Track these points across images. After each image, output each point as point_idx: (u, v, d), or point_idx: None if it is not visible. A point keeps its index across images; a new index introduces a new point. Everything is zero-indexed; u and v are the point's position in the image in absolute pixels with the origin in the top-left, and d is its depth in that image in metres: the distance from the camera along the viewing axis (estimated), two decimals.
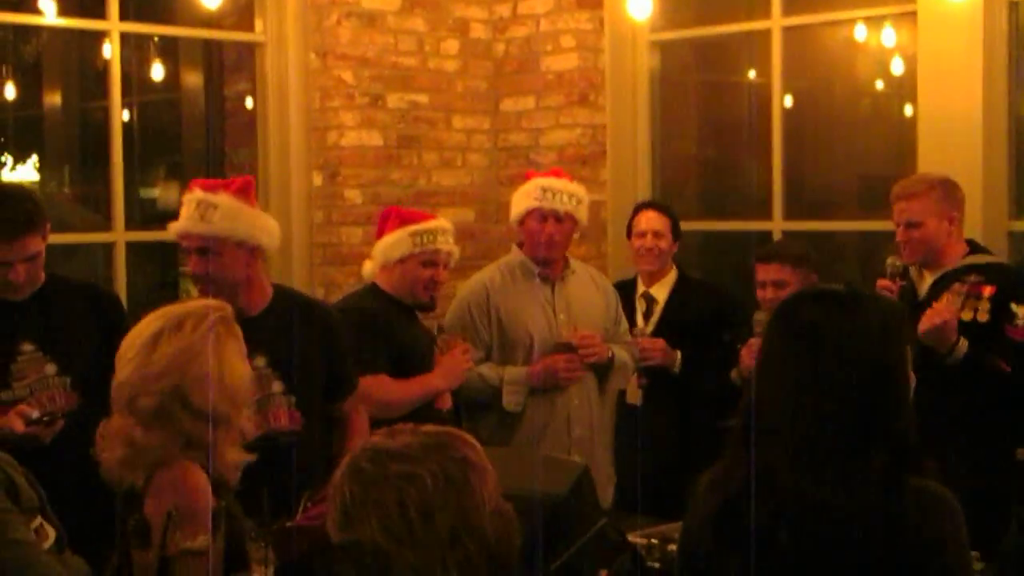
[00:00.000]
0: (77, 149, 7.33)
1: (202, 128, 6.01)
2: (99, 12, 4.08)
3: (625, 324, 3.79)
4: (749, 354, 3.46)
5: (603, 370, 3.62)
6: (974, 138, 3.72)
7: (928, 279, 3.30)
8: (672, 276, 4.00)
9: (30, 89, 7.22)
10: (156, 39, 5.68)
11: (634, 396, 3.82)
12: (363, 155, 4.43)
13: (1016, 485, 3.27)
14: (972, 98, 3.72)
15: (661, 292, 3.98)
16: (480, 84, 4.75)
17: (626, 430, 3.81)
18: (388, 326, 3.22)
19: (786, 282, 3.52)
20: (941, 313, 3.12)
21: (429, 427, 1.53)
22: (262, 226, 2.84)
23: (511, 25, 4.74)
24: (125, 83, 4.19)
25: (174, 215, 2.89)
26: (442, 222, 3.39)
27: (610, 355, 3.59)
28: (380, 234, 3.36)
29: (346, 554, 1.44)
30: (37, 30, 5.93)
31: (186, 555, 1.93)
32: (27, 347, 2.75)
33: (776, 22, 4.27)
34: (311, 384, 2.83)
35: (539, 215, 3.55)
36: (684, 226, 4.08)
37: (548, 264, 3.60)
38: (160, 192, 6.81)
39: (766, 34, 4.33)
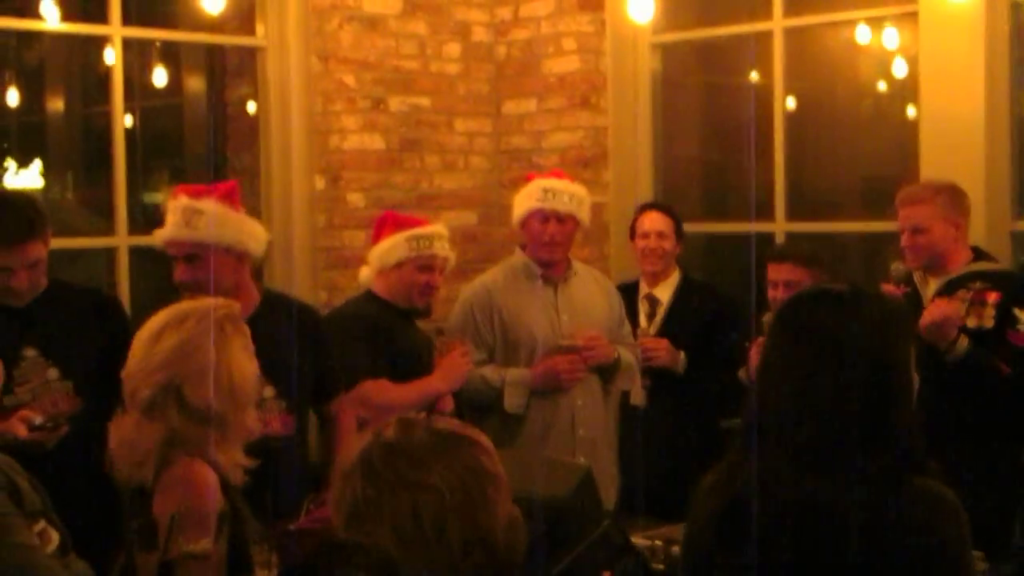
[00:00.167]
0: (80, 154, 7.34)
1: (204, 132, 6.02)
2: (101, 17, 4.09)
3: (628, 326, 3.79)
4: (758, 354, 3.45)
5: (609, 371, 3.62)
6: (976, 139, 3.72)
7: (932, 285, 3.30)
8: (675, 277, 4.00)
9: (33, 94, 7.24)
10: (158, 44, 5.69)
11: (638, 397, 3.82)
12: (365, 158, 4.44)
13: (1021, 485, 3.26)
14: (974, 99, 3.71)
15: (664, 293, 3.98)
16: (482, 87, 4.75)
17: (630, 431, 3.81)
18: (386, 331, 3.22)
19: (798, 282, 3.51)
20: (943, 308, 3.12)
21: (443, 424, 1.50)
22: (249, 231, 2.84)
23: (512, 28, 4.75)
24: (127, 88, 4.19)
25: None
26: (438, 227, 3.39)
27: (616, 356, 3.59)
28: (376, 239, 3.36)
29: (353, 557, 1.42)
30: (39, 36, 5.95)
31: (188, 559, 1.93)
32: (30, 352, 2.76)
33: (778, 23, 4.27)
34: (301, 388, 2.83)
35: (541, 216, 3.55)
36: (686, 228, 4.08)
37: (551, 265, 3.60)
38: (163, 197, 6.82)
39: (768, 35, 4.32)
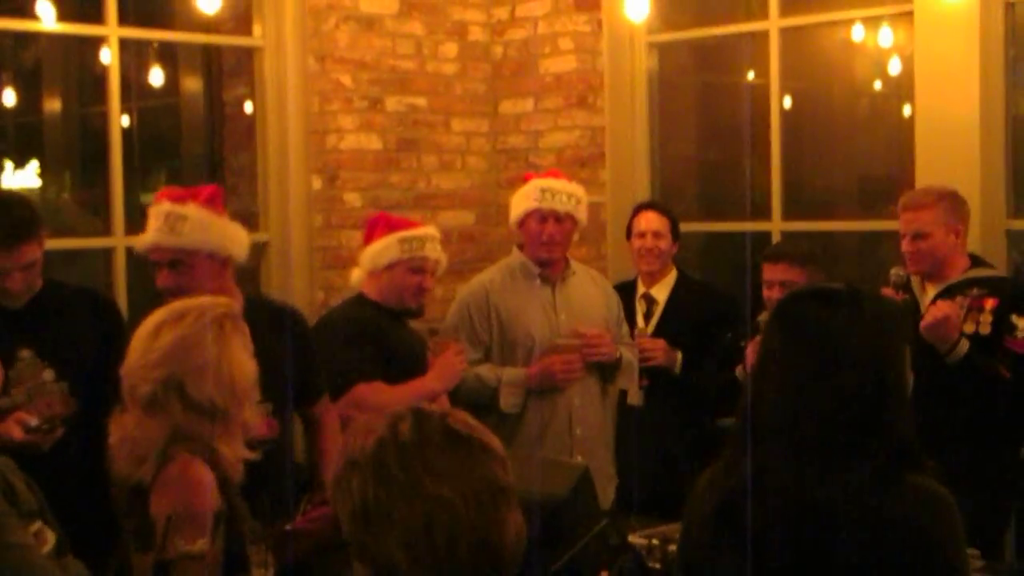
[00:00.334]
0: (77, 154, 7.34)
1: (201, 133, 6.02)
2: (98, 17, 4.08)
3: (627, 326, 3.80)
4: (755, 352, 3.46)
5: (610, 370, 3.63)
6: (972, 138, 3.72)
7: (931, 292, 3.31)
8: (672, 277, 4.01)
9: (29, 95, 7.24)
10: (155, 44, 5.68)
11: (635, 397, 3.83)
12: (362, 158, 4.44)
13: (1019, 484, 3.28)
14: (969, 98, 3.72)
15: (661, 293, 3.98)
16: (479, 87, 4.76)
17: (627, 431, 3.82)
18: (379, 333, 3.22)
19: (793, 282, 3.51)
20: (944, 308, 3.13)
21: (460, 424, 1.44)
22: (232, 236, 2.83)
23: (509, 28, 4.75)
24: (124, 88, 4.19)
25: None
26: (430, 229, 3.39)
27: (618, 355, 3.60)
28: (368, 241, 3.35)
29: (356, 559, 1.41)
30: (36, 36, 5.94)
31: (184, 559, 1.93)
32: (25, 353, 2.75)
33: (774, 23, 4.28)
34: (285, 391, 2.81)
35: (539, 216, 3.56)
36: (683, 227, 4.09)
37: (548, 265, 3.61)
38: None
39: (764, 35, 4.33)
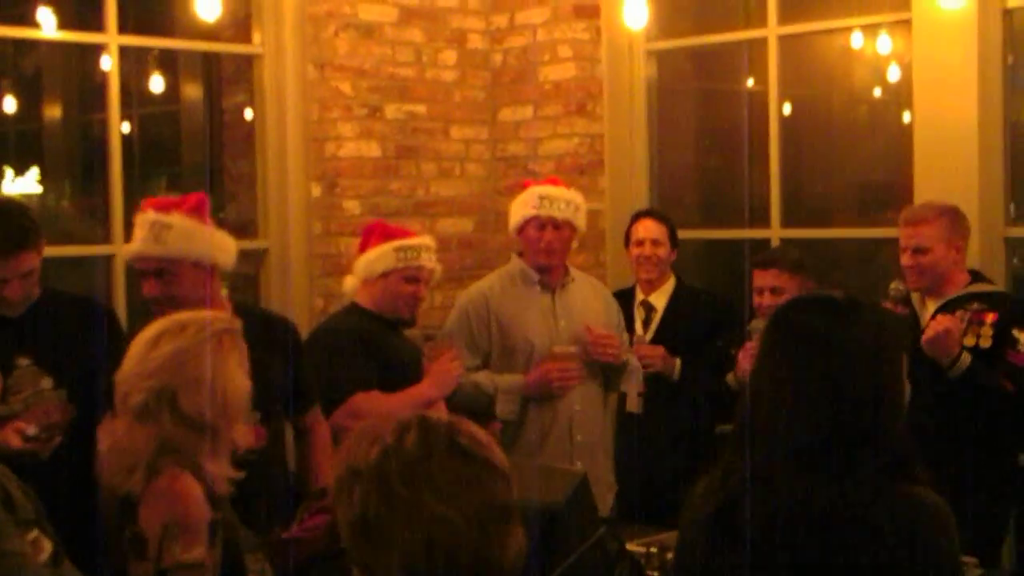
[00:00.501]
0: (77, 162, 7.35)
1: (201, 140, 6.03)
2: (97, 25, 4.09)
3: (627, 334, 3.80)
4: (747, 358, 3.48)
5: (614, 374, 3.63)
6: (970, 145, 3.73)
7: (931, 307, 3.32)
8: (671, 284, 4.01)
9: (30, 102, 7.25)
10: (155, 52, 5.70)
11: (634, 404, 3.83)
12: (361, 166, 4.44)
13: (1017, 492, 3.28)
14: (968, 105, 3.72)
15: (660, 300, 3.98)
16: (478, 94, 4.76)
17: (625, 438, 3.82)
18: (374, 342, 3.21)
19: (783, 288, 3.54)
20: (944, 322, 3.13)
21: (466, 438, 1.41)
22: (218, 244, 2.82)
23: (508, 35, 4.76)
24: (124, 96, 4.20)
25: None
26: (426, 239, 3.38)
27: (624, 360, 3.59)
28: (363, 249, 3.35)
29: (355, 568, 1.40)
30: (36, 44, 5.95)
31: (182, 568, 1.93)
32: (23, 361, 2.75)
33: (772, 31, 4.28)
34: (273, 400, 2.80)
35: (537, 223, 3.56)
36: (682, 235, 4.09)
37: (548, 271, 3.61)
38: None
39: (762, 43, 4.34)
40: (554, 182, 3.72)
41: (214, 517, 2.00)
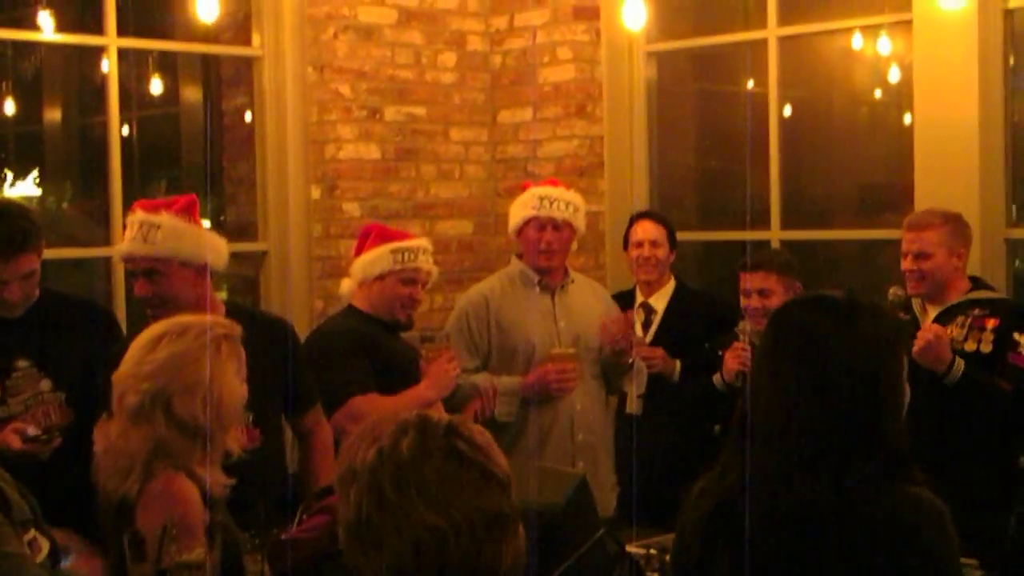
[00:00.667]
0: (76, 164, 7.35)
1: (201, 142, 6.02)
2: (97, 28, 4.10)
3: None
4: (733, 358, 3.49)
5: (617, 375, 3.62)
6: (971, 146, 3.72)
7: (931, 313, 3.32)
8: (670, 286, 4.01)
9: (29, 105, 7.24)
10: (154, 54, 5.69)
11: (633, 405, 3.82)
12: (361, 168, 4.44)
13: (1018, 494, 3.27)
14: (969, 106, 3.72)
15: (660, 302, 3.98)
16: (477, 96, 4.76)
17: (625, 439, 3.81)
18: (371, 344, 3.21)
19: (771, 291, 3.55)
20: (933, 330, 3.13)
21: (463, 440, 1.40)
22: (208, 244, 2.81)
23: (508, 37, 4.76)
24: (123, 98, 4.20)
25: None
26: (422, 241, 3.38)
27: (631, 361, 3.59)
28: (359, 251, 3.34)
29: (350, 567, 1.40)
30: (36, 46, 5.95)
31: (182, 568, 1.93)
32: (22, 363, 2.76)
33: (772, 32, 4.28)
34: (268, 400, 2.80)
35: (537, 224, 3.57)
36: (682, 236, 4.09)
37: (547, 273, 3.61)
38: None
39: (762, 44, 4.34)
40: (553, 183, 3.73)
41: (212, 519, 2.00)
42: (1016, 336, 3.17)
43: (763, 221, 4.33)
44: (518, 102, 4.74)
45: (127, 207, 4.16)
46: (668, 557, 2.47)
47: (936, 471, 1.73)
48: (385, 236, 3.33)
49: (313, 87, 4.34)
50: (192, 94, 6.28)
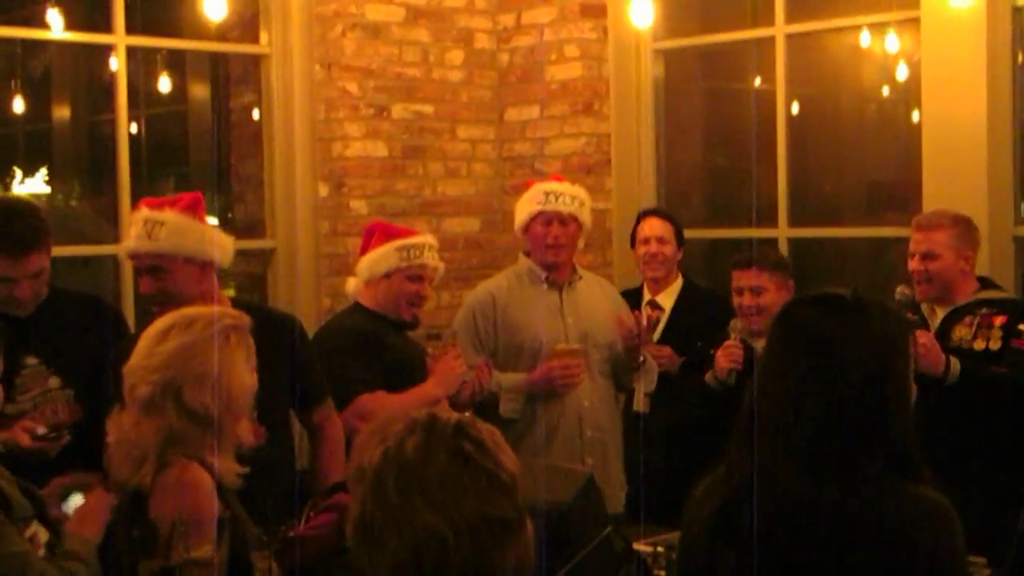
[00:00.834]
0: (85, 162, 7.37)
1: (208, 140, 6.04)
2: (105, 26, 4.10)
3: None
4: (725, 356, 3.49)
5: (627, 373, 3.63)
6: (979, 143, 3.71)
7: (939, 314, 3.31)
8: (678, 284, 4.00)
9: (38, 103, 7.27)
10: (162, 52, 5.71)
11: (640, 403, 3.82)
12: (368, 165, 4.45)
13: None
14: (977, 103, 3.71)
15: (667, 300, 3.98)
16: (485, 94, 4.76)
17: (632, 437, 3.81)
18: (378, 342, 3.21)
19: (763, 288, 3.56)
20: (921, 339, 3.10)
21: (471, 441, 1.39)
22: (212, 240, 2.80)
23: (515, 35, 4.76)
24: (132, 96, 4.20)
25: None
26: (428, 238, 3.38)
27: (642, 359, 3.60)
28: (364, 250, 3.34)
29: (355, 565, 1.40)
30: (45, 44, 5.98)
31: (190, 565, 1.94)
32: (31, 360, 2.76)
33: (780, 29, 4.27)
34: (275, 397, 2.79)
35: (544, 219, 3.57)
36: (689, 234, 4.08)
37: (555, 269, 3.61)
38: None
39: (770, 41, 4.33)
40: (558, 179, 3.74)
41: (222, 514, 2.01)
42: (1022, 327, 3.17)
43: (770, 219, 4.33)
44: (525, 100, 4.74)
45: (135, 205, 4.20)
46: (675, 555, 2.48)
47: (944, 469, 1.73)
48: (390, 234, 3.33)
49: (321, 85, 4.34)
50: (200, 92, 6.29)
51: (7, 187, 7.85)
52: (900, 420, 1.67)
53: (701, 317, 3.92)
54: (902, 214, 3.94)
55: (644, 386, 3.70)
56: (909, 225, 3.42)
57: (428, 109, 4.59)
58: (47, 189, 7.62)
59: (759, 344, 3.55)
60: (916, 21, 3.92)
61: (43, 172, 7.65)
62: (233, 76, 5.25)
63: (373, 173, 4.46)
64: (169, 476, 1.99)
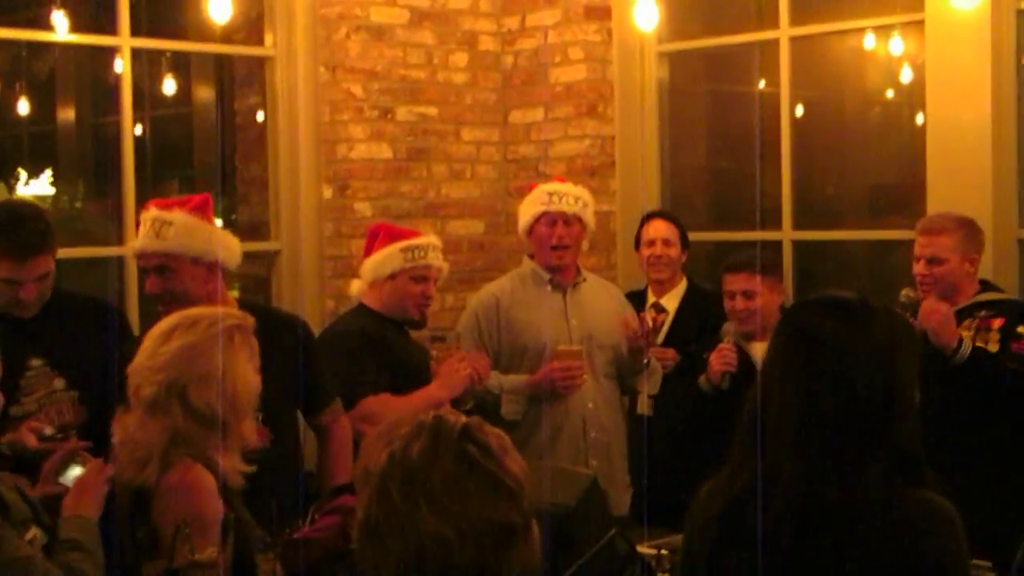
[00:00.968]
0: (90, 163, 7.39)
1: (213, 142, 6.05)
2: (110, 28, 4.11)
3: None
4: (718, 359, 3.49)
5: (632, 375, 3.62)
6: (983, 146, 3.71)
7: None
8: (682, 286, 4.01)
9: (43, 105, 7.30)
10: (167, 54, 5.72)
11: (644, 406, 3.82)
12: (373, 168, 4.45)
13: None
14: (981, 106, 3.71)
15: (671, 302, 3.98)
16: (489, 96, 4.77)
17: (636, 440, 3.81)
18: (383, 344, 3.21)
19: (755, 291, 3.56)
20: (932, 305, 3.13)
21: (477, 446, 1.38)
22: (219, 241, 2.82)
23: (519, 37, 4.76)
24: (137, 98, 4.21)
25: None
26: (432, 238, 3.38)
27: (647, 361, 3.60)
28: (368, 252, 3.34)
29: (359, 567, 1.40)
30: (50, 47, 5.99)
31: (194, 567, 1.94)
32: (35, 362, 2.77)
33: (784, 32, 4.27)
34: (280, 398, 2.79)
35: (548, 219, 3.57)
36: (693, 237, 4.09)
37: (559, 271, 3.61)
38: None
39: (774, 44, 4.33)
40: (561, 181, 3.74)
41: (226, 515, 2.01)
42: (1020, 329, 3.17)
43: (774, 221, 4.33)
44: (530, 102, 4.74)
45: (140, 206, 4.19)
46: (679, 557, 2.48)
47: (948, 472, 1.72)
48: (394, 235, 3.34)
49: (325, 87, 4.35)
50: (205, 94, 6.31)
51: (12, 189, 7.87)
52: (904, 423, 1.67)
53: (705, 319, 3.91)
54: (906, 217, 3.94)
55: (648, 388, 3.70)
56: (913, 228, 3.42)
57: (432, 111, 4.59)
58: (51, 191, 7.64)
59: (752, 347, 3.56)
60: (920, 24, 3.92)
61: (48, 174, 7.66)
62: (237, 78, 5.26)
63: (377, 175, 4.46)
64: (172, 477, 2.00)
